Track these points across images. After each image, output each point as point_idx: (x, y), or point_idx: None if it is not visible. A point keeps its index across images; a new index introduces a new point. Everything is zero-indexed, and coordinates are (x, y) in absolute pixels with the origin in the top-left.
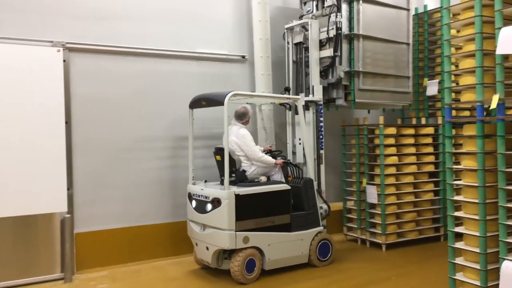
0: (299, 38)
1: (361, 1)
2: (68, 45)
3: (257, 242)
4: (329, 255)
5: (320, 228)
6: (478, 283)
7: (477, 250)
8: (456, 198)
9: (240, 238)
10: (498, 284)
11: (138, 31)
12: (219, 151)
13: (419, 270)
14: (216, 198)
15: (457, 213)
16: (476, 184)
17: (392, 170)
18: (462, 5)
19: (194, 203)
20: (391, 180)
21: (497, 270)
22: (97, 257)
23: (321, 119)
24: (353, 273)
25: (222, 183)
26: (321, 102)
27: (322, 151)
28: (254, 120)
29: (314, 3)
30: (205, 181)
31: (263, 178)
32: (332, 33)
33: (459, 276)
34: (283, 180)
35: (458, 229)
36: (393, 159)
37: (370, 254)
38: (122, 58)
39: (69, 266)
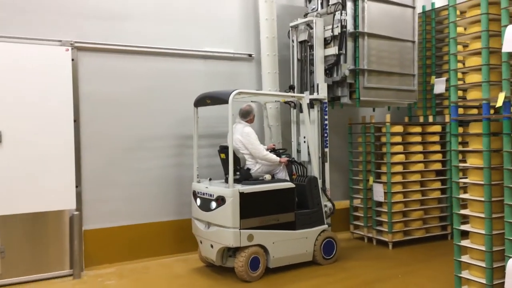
0: (303, 36)
1: None
2: (76, 44)
3: (262, 240)
4: (333, 253)
5: (325, 226)
6: (484, 281)
7: (483, 248)
8: (462, 196)
9: (245, 236)
10: (503, 282)
11: (145, 30)
12: (224, 149)
13: (425, 268)
14: (221, 196)
15: (463, 211)
16: (482, 182)
17: (399, 168)
18: (469, 3)
19: (198, 201)
20: (398, 178)
21: (503, 268)
22: (105, 254)
23: (326, 117)
24: (358, 271)
25: (226, 181)
26: (326, 100)
27: (326, 149)
28: (261, 119)
29: (319, 1)
30: (210, 179)
31: (268, 176)
32: (337, 31)
33: (465, 274)
34: (288, 178)
35: (464, 227)
36: (400, 157)
37: (377, 252)
38: (130, 57)
39: (77, 262)
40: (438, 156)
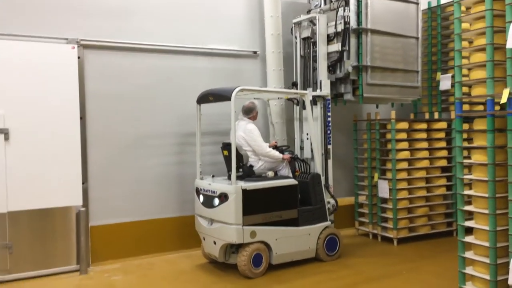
0: (306, 33)
1: None
2: (82, 42)
3: (264, 236)
4: (336, 249)
5: (328, 223)
6: (487, 277)
7: (487, 244)
8: (466, 192)
9: (247, 233)
10: (507, 278)
11: (151, 28)
12: (227, 146)
13: (430, 264)
14: (224, 193)
15: (467, 207)
16: (486, 179)
17: (404, 165)
18: None
19: (201, 197)
20: (403, 175)
21: (507, 264)
22: (110, 249)
23: (329, 114)
24: (362, 268)
25: (229, 178)
26: (329, 97)
27: (329, 146)
28: (266, 116)
29: None
30: (213, 176)
31: (271, 173)
32: (340, 27)
33: (469, 270)
34: (291, 175)
35: (468, 223)
36: (405, 154)
37: (381, 249)
38: (135, 55)
39: (84, 258)
40: (444, 153)
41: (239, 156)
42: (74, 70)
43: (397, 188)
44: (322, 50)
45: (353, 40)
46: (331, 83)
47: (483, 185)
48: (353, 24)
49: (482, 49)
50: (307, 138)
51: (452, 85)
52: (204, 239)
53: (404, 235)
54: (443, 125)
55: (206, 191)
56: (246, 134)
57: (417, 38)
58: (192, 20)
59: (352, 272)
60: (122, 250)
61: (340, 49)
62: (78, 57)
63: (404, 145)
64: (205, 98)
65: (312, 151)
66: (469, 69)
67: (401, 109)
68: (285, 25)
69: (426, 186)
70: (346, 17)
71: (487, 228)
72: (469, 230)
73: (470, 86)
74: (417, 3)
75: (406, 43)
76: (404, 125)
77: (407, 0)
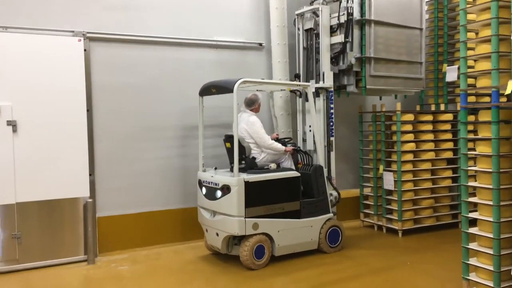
0: (309, 24)
1: None
2: (88, 35)
3: (267, 228)
4: (339, 241)
5: (330, 215)
6: (491, 268)
7: (491, 236)
8: (470, 184)
9: (250, 225)
10: (511, 269)
11: (156, 20)
12: (229, 138)
13: (434, 255)
14: (226, 185)
15: (471, 199)
16: (491, 170)
17: (409, 157)
18: None
19: (204, 190)
20: (408, 167)
21: (511, 255)
22: (117, 240)
23: (332, 106)
24: (366, 259)
25: (232, 170)
26: (332, 89)
27: (332, 138)
28: (269, 108)
29: None
30: (215, 168)
31: (273, 165)
32: (343, 18)
33: (473, 261)
34: (293, 167)
35: (472, 215)
36: (411, 146)
37: (386, 241)
38: (141, 47)
39: (91, 248)
40: (450, 145)
41: (242, 148)
42: (81, 62)
43: (402, 180)
44: (325, 41)
45: (356, 32)
46: (334, 75)
47: (488, 176)
48: (356, 15)
49: (487, 41)
50: (310, 130)
51: (458, 77)
52: (206, 231)
53: (409, 226)
54: (449, 116)
55: (209, 183)
56: (249, 126)
57: (421, 29)
58: (197, 12)
59: (355, 263)
60: (128, 241)
61: (343, 40)
62: (85, 50)
63: (410, 137)
64: (208, 90)
65: (314, 143)
66: (475, 61)
67: (406, 101)
68: (291, 17)
69: (432, 178)
70: (349, 8)
71: (491, 219)
72: (473, 222)
73: (475, 78)
74: None
75: (409, 35)
76: (409, 117)
77: None
